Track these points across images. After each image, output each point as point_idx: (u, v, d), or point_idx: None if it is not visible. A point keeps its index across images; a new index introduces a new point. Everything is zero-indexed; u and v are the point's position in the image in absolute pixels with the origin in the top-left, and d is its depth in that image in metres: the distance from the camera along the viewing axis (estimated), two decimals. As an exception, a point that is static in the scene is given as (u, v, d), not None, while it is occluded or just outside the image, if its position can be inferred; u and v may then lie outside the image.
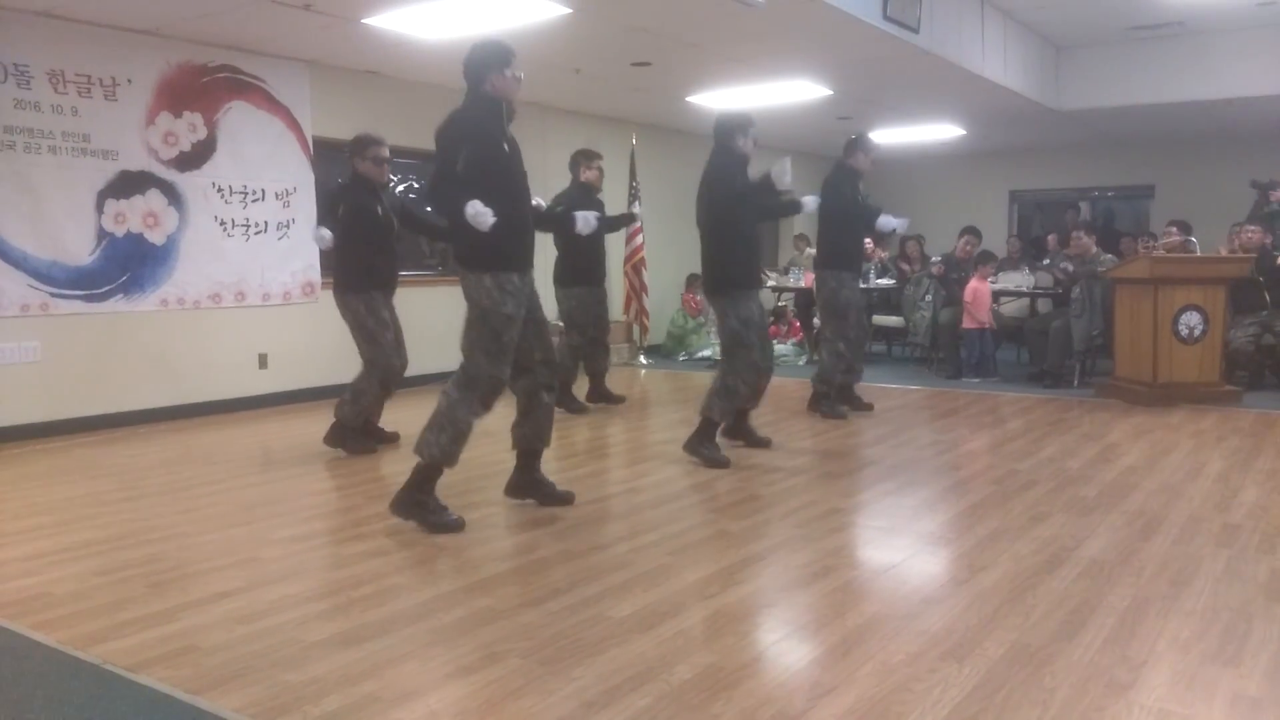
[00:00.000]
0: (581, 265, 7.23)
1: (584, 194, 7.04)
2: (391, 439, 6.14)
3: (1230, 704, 2.55)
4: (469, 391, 4.16)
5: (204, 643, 3.02)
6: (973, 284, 9.01)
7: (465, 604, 3.32)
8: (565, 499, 4.65)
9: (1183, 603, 3.28)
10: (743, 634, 3.08)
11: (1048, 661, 2.80)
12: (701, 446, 5.58)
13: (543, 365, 4.42)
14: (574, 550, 3.94)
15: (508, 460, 4.72)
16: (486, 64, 4.20)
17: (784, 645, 3.02)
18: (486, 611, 3.25)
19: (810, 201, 5.92)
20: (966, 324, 9.02)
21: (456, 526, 4.23)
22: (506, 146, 4.19)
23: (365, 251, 5.67)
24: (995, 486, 5.01)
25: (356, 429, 5.96)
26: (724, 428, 5.91)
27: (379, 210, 5.75)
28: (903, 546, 4.05)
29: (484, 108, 4.20)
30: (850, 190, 6.94)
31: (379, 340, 5.76)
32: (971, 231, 9.68)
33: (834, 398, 7.16)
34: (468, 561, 3.81)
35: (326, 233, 5.69)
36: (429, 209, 4.00)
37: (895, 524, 4.41)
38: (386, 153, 5.83)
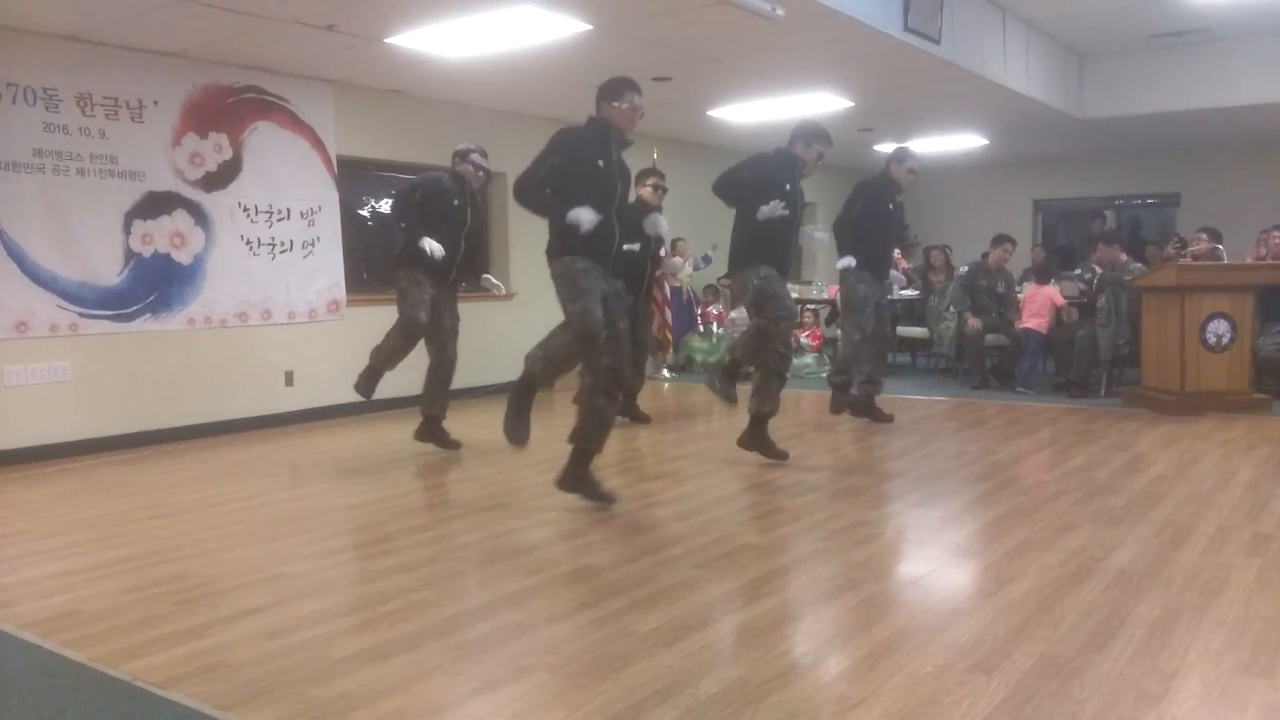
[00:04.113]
0: None
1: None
2: (454, 445, 6.38)
3: (1263, 716, 2.52)
4: (565, 328, 4.62)
5: (233, 659, 3.03)
6: (1048, 290, 8.97)
7: (491, 619, 3.33)
8: (607, 500, 4.80)
9: (1213, 613, 3.25)
10: (769, 647, 3.07)
11: (1077, 673, 2.78)
12: (720, 382, 5.85)
13: (608, 371, 4.64)
14: (599, 564, 3.95)
15: (529, 476, 4.78)
16: (601, 94, 4.81)
17: (811, 658, 3.01)
18: (513, 626, 3.25)
19: (813, 236, 6.06)
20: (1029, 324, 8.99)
21: (519, 438, 4.74)
22: (601, 163, 4.68)
23: (428, 234, 6.05)
24: (1022, 497, 4.98)
25: (377, 373, 6.26)
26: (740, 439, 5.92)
27: (454, 202, 6.23)
28: (930, 558, 4.03)
29: (592, 127, 4.81)
30: (883, 199, 7.05)
31: (408, 298, 6.14)
32: (1007, 239, 9.61)
33: (841, 399, 7.26)
34: (494, 576, 3.82)
35: (436, 246, 6.04)
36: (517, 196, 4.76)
37: (922, 536, 4.38)
38: (482, 160, 6.34)
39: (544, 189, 4.66)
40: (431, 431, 6.42)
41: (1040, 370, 9.35)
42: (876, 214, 7.02)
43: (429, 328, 6.23)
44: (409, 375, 6.46)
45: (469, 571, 3.90)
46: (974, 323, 9.18)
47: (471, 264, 6.60)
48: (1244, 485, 5.12)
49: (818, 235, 6.27)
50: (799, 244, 6.00)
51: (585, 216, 4.49)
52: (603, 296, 4.63)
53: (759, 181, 5.65)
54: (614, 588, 3.63)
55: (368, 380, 6.28)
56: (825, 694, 2.71)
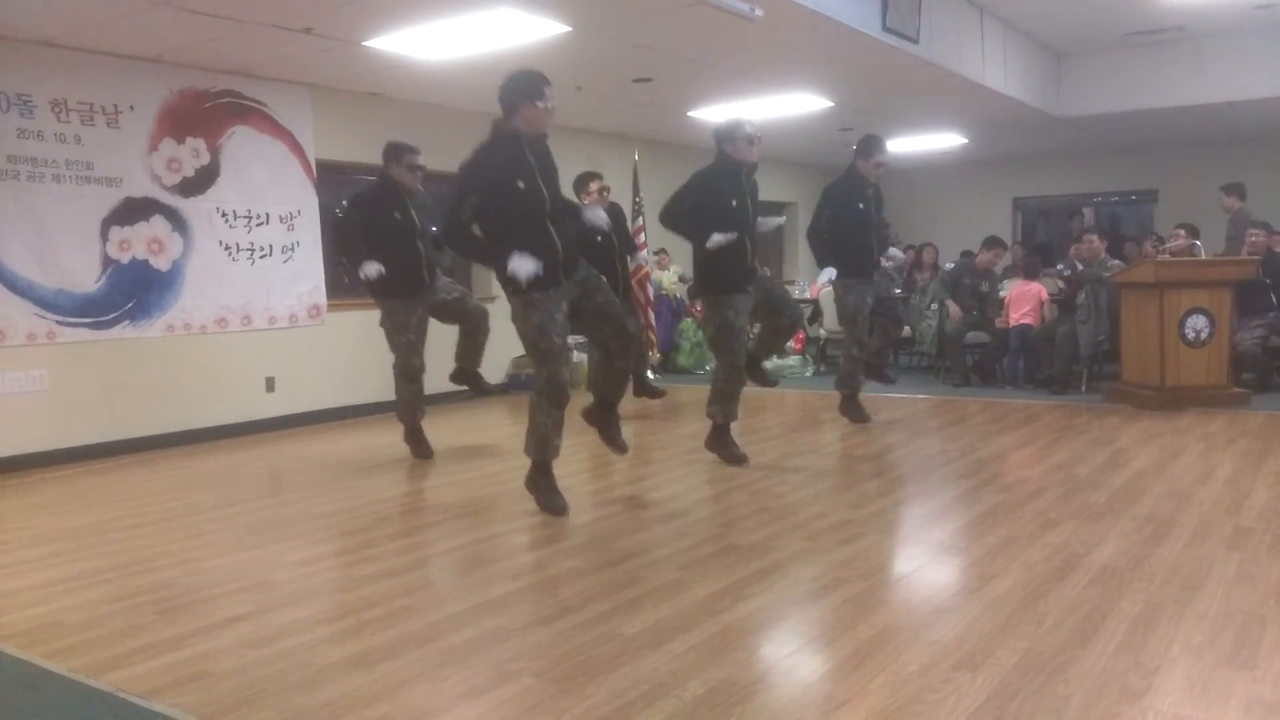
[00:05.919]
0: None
1: None
2: (428, 454, 6.37)
3: (1245, 708, 2.53)
4: (538, 395, 4.57)
5: (216, 668, 3.01)
6: (1035, 286, 9.01)
7: (476, 624, 3.32)
8: (620, 446, 5.02)
9: (1195, 607, 3.27)
10: (754, 648, 3.07)
11: (1061, 669, 2.79)
12: (713, 445, 5.87)
13: (613, 338, 4.73)
14: (584, 567, 3.94)
15: (511, 480, 4.79)
16: (519, 93, 4.34)
17: (796, 658, 3.01)
18: (497, 631, 3.25)
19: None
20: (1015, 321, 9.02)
21: (558, 510, 4.68)
22: (522, 184, 4.33)
23: (381, 259, 5.86)
24: (1005, 494, 5.00)
25: (415, 429, 6.25)
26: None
27: (396, 215, 5.94)
28: (913, 556, 4.04)
29: (506, 146, 4.38)
30: (853, 198, 6.86)
31: (393, 341, 6.02)
32: (999, 244, 9.73)
33: (848, 404, 7.21)
34: (478, 581, 3.81)
35: (374, 267, 5.84)
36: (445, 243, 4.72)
37: (905, 534, 4.40)
38: (421, 160, 6.03)
39: (470, 232, 4.38)
40: (466, 377, 6.44)
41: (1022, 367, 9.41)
42: (849, 216, 6.80)
43: (441, 308, 6.17)
44: (385, 382, 6.44)
45: (452, 576, 3.89)
46: (955, 312, 9.23)
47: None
48: (1224, 479, 5.16)
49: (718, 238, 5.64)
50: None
51: (525, 269, 4.29)
52: (571, 300, 4.57)
53: (703, 204, 5.63)
54: (598, 590, 3.63)
55: (414, 441, 6.26)
56: (811, 694, 2.71)
